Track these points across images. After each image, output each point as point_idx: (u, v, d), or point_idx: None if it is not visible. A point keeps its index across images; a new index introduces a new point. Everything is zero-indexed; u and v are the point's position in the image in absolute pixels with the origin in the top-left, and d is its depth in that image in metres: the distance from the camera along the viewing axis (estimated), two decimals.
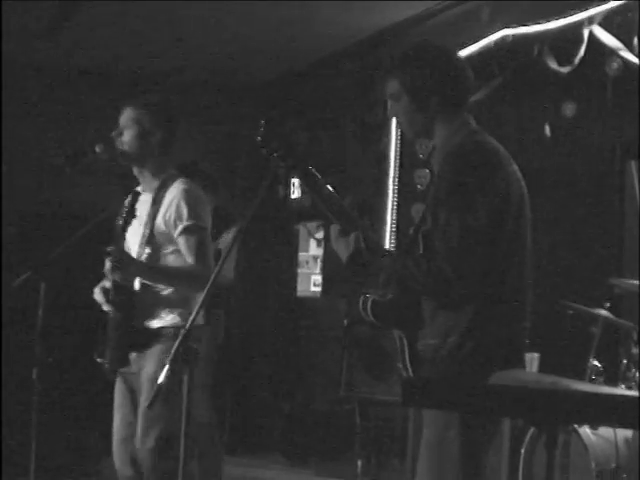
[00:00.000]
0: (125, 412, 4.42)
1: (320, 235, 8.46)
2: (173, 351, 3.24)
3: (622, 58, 5.67)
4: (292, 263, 8.93)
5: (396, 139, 7.70)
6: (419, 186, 7.30)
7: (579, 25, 5.85)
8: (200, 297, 4.33)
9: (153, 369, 4.28)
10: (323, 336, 8.38)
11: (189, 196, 4.39)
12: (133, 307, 4.36)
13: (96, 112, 5.03)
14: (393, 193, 7.73)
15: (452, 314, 3.27)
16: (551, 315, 5.59)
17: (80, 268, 4.41)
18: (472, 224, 3.18)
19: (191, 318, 3.33)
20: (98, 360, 4.40)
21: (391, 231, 7.70)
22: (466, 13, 6.60)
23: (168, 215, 4.38)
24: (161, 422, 4.27)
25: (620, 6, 5.68)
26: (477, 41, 6.45)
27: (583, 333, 5.28)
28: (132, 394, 4.41)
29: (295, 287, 8.88)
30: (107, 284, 4.37)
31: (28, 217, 8.33)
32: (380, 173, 7.82)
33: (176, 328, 4.30)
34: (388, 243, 7.63)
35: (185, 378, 3.32)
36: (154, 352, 4.32)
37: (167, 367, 3.24)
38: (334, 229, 3.42)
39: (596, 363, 5.07)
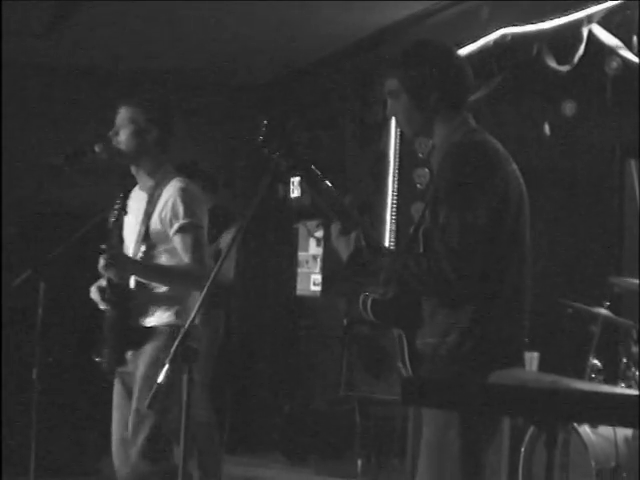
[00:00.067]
0: (123, 412, 4.42)
1: (320, 234, 8.46)
2: (173, 350, 3.24)
3: (621, 57, 5.67)
4: (292, 262, 8.93)
5: (396, 138, 7.70)
6: (418, 185, 7.31)
7: (578, 24, 5.85)
8: (197, 296, 4.36)
9: (144, 368, 4.29)
10: (323, 335, 8.38)
11: (185, 194, 4.39)
12: (129, 305, 4.36)
13: (95, 112, 5.02)
14: (393, 192, 7.74)
15: (451, 313, 3.27)
16: (551, 314, 5.60)
17: (80, 268, 4.41)
18: (472, 223, 3.18)
19: (191, 317, 3.33)
20: (97, 360, 4.41)
21: (391, 230, 7.70)
22: (465, 12, 6.60)
23: (164, 213, 4.38)
24: (151, 422, 4.26)
25: (619, 5, 5.68)
26: (476, 40, 6.45)
27: (583, 332, 5.28)
28: (130, 394, 4.41)
29: (295, 286, 8.88)
30: (103, 283, 4.38)
31: (28, 217, 8.33)
32: (379, 172, 7.82)
33: (170, 326, 4.31)
34: (388, 242, 7.63)
35: (184, 377, 3.32)
36: (147, 350, 4.33)
37: (166, 366, 3.23)
38: (334, 228, 3.42)
39: (596, 362, 5.07)
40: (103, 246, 4.29)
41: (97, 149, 4.41)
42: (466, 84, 3.46)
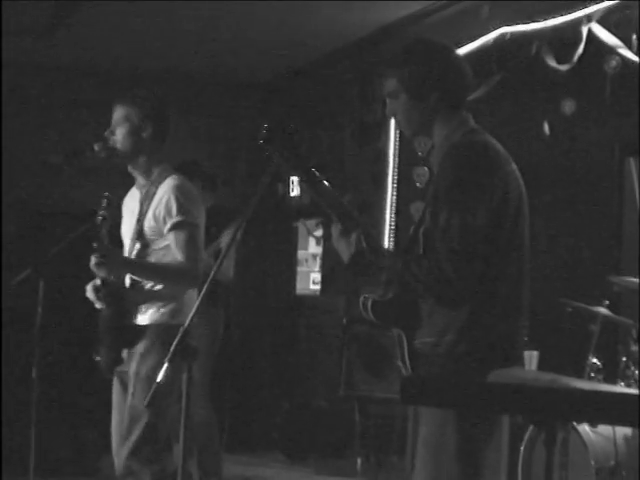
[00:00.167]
0: (122, 411, 4.42)
1: (319, 233, 8.46)
2: (172, 349, 3.24)
3: (621, 56, 5.68)
4: (291, 261, 8.93)
5: (395, 138, 7.71)
6: (418, 184, 7.31)
7: (578, 23, 5.85)
8: (192, 294, 4.37)
9: (136, 365, 4.29)
10: (322, 334, 8.38)
11: (179, 192, 4.38)
12: (124, 304, 4.36)
13: (94, 110, 5.02)
14: (392, 192, 7.74)
15: (449, 312, 3.27)
16: (550, 313, 5.60)
17: (79, 266, 4.40)
18: (472, 224, 3.18)
19: (190, 315, 3.33)
20: (97, 359, 4.41)
21: (390, 229, 7.70)
22: (465, 11, 6.59)
23: (158, 211, 4.37)
24: (144, 421, 4.26)
25: (619, 4, 5.68)
26: (476, 39, 6.45)
27: (582, 331, 5.28)
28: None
29: (294, 285, 8.88)
30: (98, 281, 4.38)
31: (27, 215, 8.33)
32: (379, 172, 7.82)
33: (162, 325, 4.31)
34: (387, 241, 7.64)
35: (184, 376, 3.32)
36: (138, 349, 4.33)
37: (166, 365, 3.24)
38: (335, 229, 3.42)
39: (595, 361, 5.07)
40: (94, 245, 4.29)
41: (96, 148, 4.42)
42: (465, 84, 3.45)
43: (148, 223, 4.39)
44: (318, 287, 8.60)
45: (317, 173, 3.40)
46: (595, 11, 5.78)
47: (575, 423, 4.75)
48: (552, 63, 6.02)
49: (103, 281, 4.34)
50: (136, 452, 4.27)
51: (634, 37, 5.56)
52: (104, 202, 4.37)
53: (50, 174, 6.68)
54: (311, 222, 8.57)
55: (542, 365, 5.35)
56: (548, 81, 6.19)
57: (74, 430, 7.28)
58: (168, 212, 4.35)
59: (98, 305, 4.38)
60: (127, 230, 4.50)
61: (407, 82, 3.38)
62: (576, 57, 5.87)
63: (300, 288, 8.83)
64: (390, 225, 7.70)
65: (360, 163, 8.16)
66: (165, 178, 4.43)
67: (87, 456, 7.15)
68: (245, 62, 8.44)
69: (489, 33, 6.39)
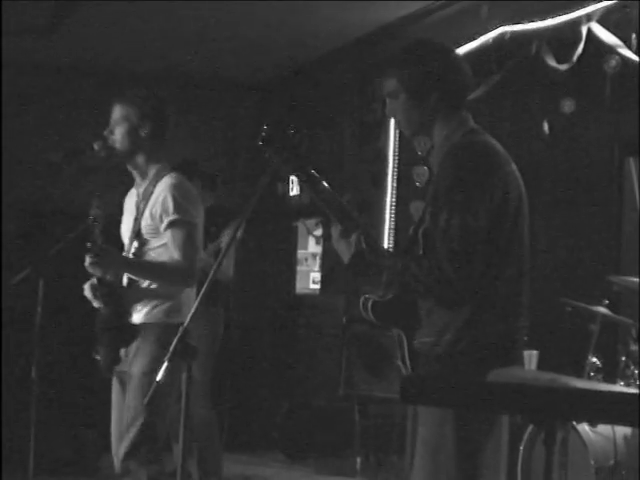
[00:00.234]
0: (122, 411, 4.42)
1: (319, 232, 8.46)
2: (172, 348, 3.24)
3: (620, 55, 5.68)
4: (291, 260, 8.93)
5: (395, 137, 7.71)
6: (418, 184, 7.31)
7: (577, 22, 5.86)
8: (189, 293, 4.37)
9: (132, 365, 4.29)
10: (322, 334, 8.38)
11: (176, 190, 4.37)
12: (121, 303, 4.36)
13: (94, 110, 5.02)
14: (392, 191, 7.74)
15: (447, 312, 3.27)
16: (550, 312, 5.60)
17: (79, 266, 4.40)
18: (472, 224, 3.18)
19: (190, 315, 3.33)
20: (97, 358, 4.41)
21: (390, 229, 7.70)
22: (465, 11, 6.59)
23: (155, 209, 4.37)
24: (141, 420, 4.26)
25: (618, 3, 5.68)
26: (476, 38, 6.45)
27: (582, 330, 5.28)
28: None
29: (294, 284, 8.88)
30: (95, 280, 4.38)
31: (27, 214, 8.34)
32: (378, 171, 7.82)
33: (158, 324, 4.30)
34: (387, 241, 7.64)
35: (184, 376, 3.32)
36: (134, 348, 4.33)
37: (165, 364, 3.24)
38: (335, 230, 3.42)
39: (595, 360, 5.07)
40: (88, 244, 4.29)
41: (96, 147, 4.41)
42: (465, 83, 3.45)
43: (145, 221, 4.39)
44: (318, 287, 8.60)
45: (316, 174, 3.40)
46: (595, 11, 5.79)
47: (575, 423, 4.75)
48: (552, 63, 6.02)
49: (100, 280, 4.34)
50: (133, 452, 4.26)
51: (634, 37, 5.57)
52: (95, 202, 4.36)
53: (50, 173, 6.68)
54: (311, 222, 8.57)
55: (542, 365, 5.35)
56: (548, 81, 6.19)
57: (74, 430, 7.28)
58: (165, 210, 4.35)
59: (96, 304, 4.38)
60: (126, 229, 4.50)
61: (407, 82, 3.38)
62: (576, 57, 5.88)
63: (300, 287, 8.83)
64: (390, 225, 7.71)
65: (360, 163, 8.16)
66: (163, 177, 4.43)
67: (87, 456, 7.15)
68: (245, 62, 8.43)
69: (489, 32, 6.39)
